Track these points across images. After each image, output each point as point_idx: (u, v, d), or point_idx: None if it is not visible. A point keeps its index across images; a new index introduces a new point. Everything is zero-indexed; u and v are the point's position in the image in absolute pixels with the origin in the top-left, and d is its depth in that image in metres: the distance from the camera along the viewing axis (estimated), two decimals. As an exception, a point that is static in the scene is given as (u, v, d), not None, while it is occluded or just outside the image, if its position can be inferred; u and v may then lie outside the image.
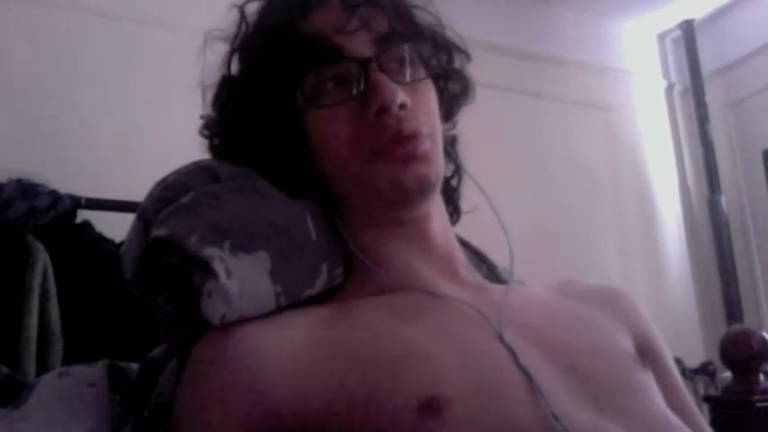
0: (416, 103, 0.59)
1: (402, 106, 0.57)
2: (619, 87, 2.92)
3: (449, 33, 0.66)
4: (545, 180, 2.58)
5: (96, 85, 1.82)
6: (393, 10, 0.61)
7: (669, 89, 3.07)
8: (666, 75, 3.09)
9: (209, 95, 0.66)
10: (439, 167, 0.61)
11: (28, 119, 1.72)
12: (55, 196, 1.37)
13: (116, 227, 1.42)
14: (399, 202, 0.60)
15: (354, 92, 0.58)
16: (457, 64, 0.68)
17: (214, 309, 0.53)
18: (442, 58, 0.66)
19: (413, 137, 0.57)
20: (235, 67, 0.65)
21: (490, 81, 2.48)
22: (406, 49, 0.60)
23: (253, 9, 0.64)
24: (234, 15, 0.64)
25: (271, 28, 0.61)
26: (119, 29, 1.87)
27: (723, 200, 2.82)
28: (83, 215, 1.47)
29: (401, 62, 0.60)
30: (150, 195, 0.61)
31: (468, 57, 0.68)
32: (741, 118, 2.86)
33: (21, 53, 1.75)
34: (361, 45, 0.58)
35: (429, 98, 0.62)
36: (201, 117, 0.67)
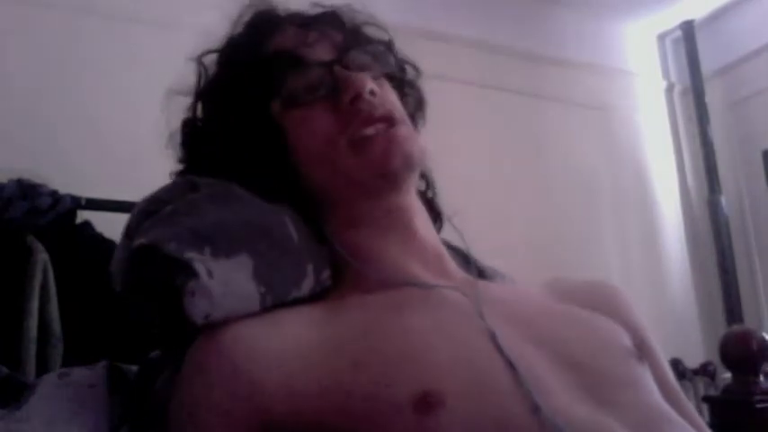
0: (383, 94, 0.63)
1: (372, 93, 0.61)
2: (619, 88, 2.92)
3: (398, 48, 0.72)
4: (545, 180, 2.58)
5: (96, 86, 1.81)
6: (346, 23, 0.67)
7: (669, 89, 3.07)
8: (666, 75, 3.09)
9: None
10: (419, 148, 0.63)
11: (28, 119, 1.71)
12: (55, 196, 1.37)
13: (116, 227, 1.41)
14: (384, 185, 0.61)
15: (324, 92, 0.62)
16: (409, 76, 0.72)
17: (198, 308, 0.53)
18: (395, 65, 0.70)
19: (386, 117, 0.61)
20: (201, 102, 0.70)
21: (490, 81, 2.49)
22: (365, 51, 0.66)
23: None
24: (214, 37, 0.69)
25: (240, 52, 0.67)
26: (119, 29, 1.87)
27: (723, 200, 2.82)
28: (83, 215, 1.47)
29: (361, 64, 0.65)
30: (134, 211, 0.63)
31: (418, 72, 0.73)
32: (741, 118, 2.86)
33: (21, 53, 1.75)
34: (323, 52, 0.64)
35: (391, 93, 0.66)
36: (170, 137, 0.70)
